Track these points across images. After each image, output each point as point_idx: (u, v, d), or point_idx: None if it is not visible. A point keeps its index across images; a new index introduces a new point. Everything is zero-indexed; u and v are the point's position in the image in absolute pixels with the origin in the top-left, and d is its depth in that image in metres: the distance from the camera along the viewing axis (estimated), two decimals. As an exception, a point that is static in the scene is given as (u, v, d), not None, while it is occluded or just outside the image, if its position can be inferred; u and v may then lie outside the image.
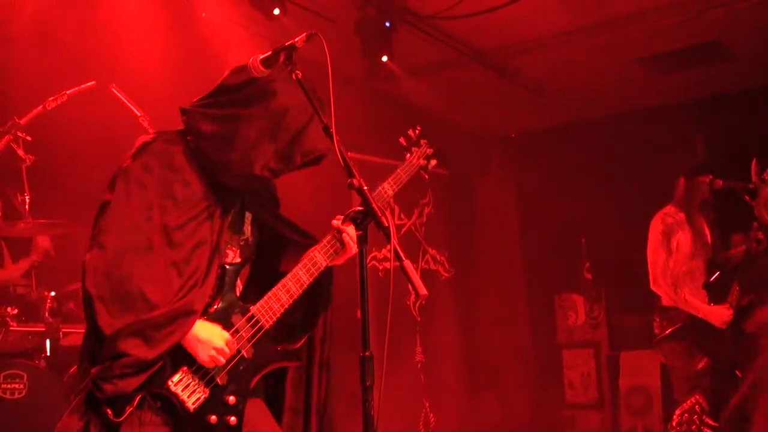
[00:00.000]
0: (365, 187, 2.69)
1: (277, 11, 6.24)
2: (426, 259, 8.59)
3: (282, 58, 3.04)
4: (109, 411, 2.63)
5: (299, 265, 3.03)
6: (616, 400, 8.86)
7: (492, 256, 9.93)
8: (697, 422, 5.62)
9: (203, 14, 6.34)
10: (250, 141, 2.87)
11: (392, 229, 2.61)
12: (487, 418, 8.94)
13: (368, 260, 2.73)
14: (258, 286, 3.10)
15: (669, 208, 6.06)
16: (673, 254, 5.91)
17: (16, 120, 4.66)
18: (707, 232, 6.06)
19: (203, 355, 2.80)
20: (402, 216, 8.32)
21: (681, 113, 8.78)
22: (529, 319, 10.07)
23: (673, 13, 7.18)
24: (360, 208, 2.70)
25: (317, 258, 3.05)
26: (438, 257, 8.75)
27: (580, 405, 9.38)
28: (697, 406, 5.66)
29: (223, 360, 2.84)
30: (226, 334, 2.86)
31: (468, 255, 9.51)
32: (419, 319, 8.22)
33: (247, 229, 3.10)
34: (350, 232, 3.08)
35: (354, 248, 3.07)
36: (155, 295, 2.70)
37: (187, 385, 2.79)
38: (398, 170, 3.28)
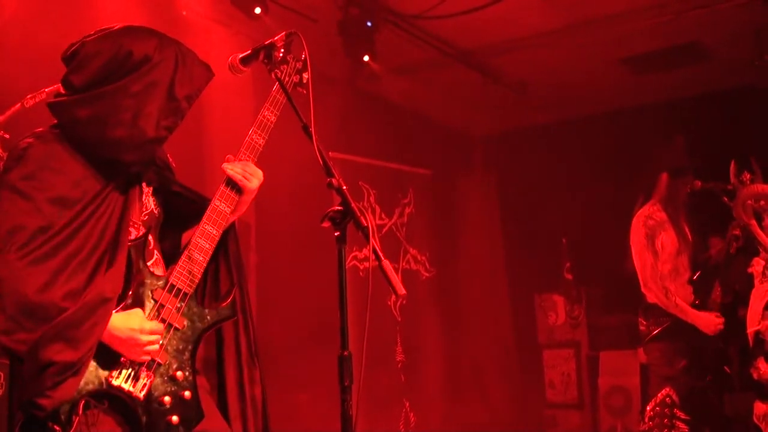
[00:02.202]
0: (344, 187, 2.68)
1: (258, 10, 6.24)
2: (407, 259, 8.59)
3: (261, 56, 3.06)
4: (56, 428, 2.55)
5: (204, 219, 2.95)
6: (595, 400, 8.89)
7: (473, 256, 9.94)
8: (669, 414, 5.67)
9: (184, 12, 6.32)
10: (131, 110, 2.76)
11: (371, 229, 2.61)
12: (468, 418, 8.95)
13: (349, 260, 2.74)
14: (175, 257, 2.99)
15: (649, 208, 6.09)
16: (659, 255, 5.95)
17: (-6, 118, 4.63)
18: (687, 230, 6.11)
19: (132, 355, 2.71)
20: (383, 216, 8.32)
21: (662, 113, 8.83)
22: (510, 318, 10.09)
23: (653, 14, 7.22)
24: (339, 208, 2.68)
25: (220, 207, 2.97)
26: (419, 257, 8.75)
27: (561, 405, 9.40)
28: (667, 399, 5.71)
29: (156, 347, 2.75)
30: (146, 324, 2.75)
31: (449, 255, 9.52)
32: (400, 319, 8.21)
33: (148, 201, 3.00)
34: (236, 168, 3.00)
35: (247, 183, 3.01)
36: (66, 301, 2.58)
37: (129, 375, 2.71)
38: (273, 93, 3.08)
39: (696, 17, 7.25)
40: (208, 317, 2.97)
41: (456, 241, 9.84)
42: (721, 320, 5.82)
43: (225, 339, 3.11)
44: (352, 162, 7.82)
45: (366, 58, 7.03)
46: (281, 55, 3.12)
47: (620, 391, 8.46)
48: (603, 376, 8.72)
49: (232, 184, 3.00)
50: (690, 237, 6.09)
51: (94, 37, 2.86)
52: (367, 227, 2.60)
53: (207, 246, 2.93)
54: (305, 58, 3.16)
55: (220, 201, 2.98)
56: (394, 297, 8.07)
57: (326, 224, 2.70)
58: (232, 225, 3.14)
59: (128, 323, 2.72)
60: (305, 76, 3.18)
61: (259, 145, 3.05)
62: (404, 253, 8.56)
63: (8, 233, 2.59)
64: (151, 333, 2.76)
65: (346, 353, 2.61)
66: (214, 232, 2.95)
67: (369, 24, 6.86)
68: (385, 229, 8.30)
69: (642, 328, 6.04)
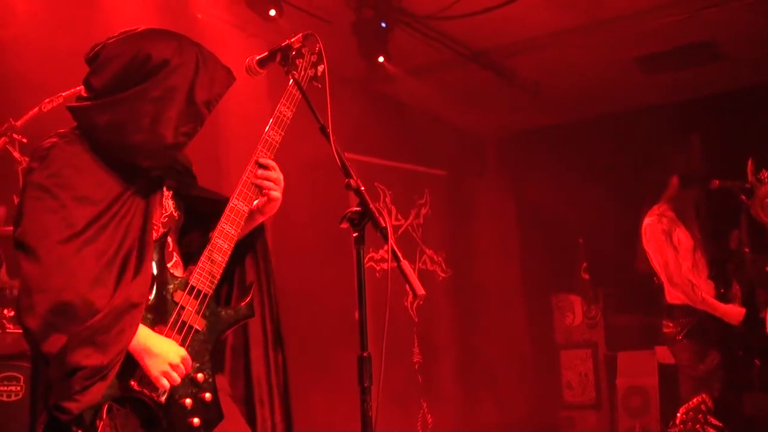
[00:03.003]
0: (362, 188, 2.67)
1: (273, 12, 6.24)
2: (423, 260, 8.58)
3: (278, 58, 3.05)
4: (80, 431, 2.54)
5: (222, 220, 2.91)
6: (613, 401, 8.86)
7: (489, 257, 9.93)
8: (702, 421, 5.64)
9: (199, 15, 6.34)
10: (149, 115, 2.74)
11: (390, 230, 2.60)
12: (485, 419, 8.94)
13: (365, 261, 2.72)
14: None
15: (660, 207, 6.09)
16: (678, 250, 5.94)
17: (12, 122, 4.64)
18: (697, 230, 6.10)
19: (155, 371, 2.67)
20: (399, 217, 8.32)
21: (677, 113, 8.80)
22: (526, 319, 10.07)
23: (668, 12, 7.19)
24: (357, 209, 2.66)
25: (238, 206, 2.93)
26: (435, 258, 8.74)
27: (578, 405, 9.38)
28: (703, 405, 5.67)
29: (178, 379, 2.71)
30: (182, 351, 2.74)
31: (465, 255, 9.50)
32: (416, 319, 8.21)
33: (168, 203, 2.99)
34: (269, 176, 2.97)
35: (272, 191, 2.99)
36: (97, 300, 2.57)
37: (151, 379, 2.70)
38: (289, 89, 3.04)
39: (710, 16, 7.22)
40: (227, 318, 2.96)
41: (472, 242, 9.83)
42: (743, 310, 5.82)
43: (251, 327, 3.10)
44: (368, 163, 7.82)
45: (380, 59, 7.03)
46: (296, 48, 3.09)
47: (638, 392, 8.41)
48: (621, 377, 8.67)
49: (250, 181, 2.97)
50: (700, 236, 6.09)
51: (116, 39, 2.86)
52: (386, 228, 2.58)
53: (226, 246, 2.90)
54: (320, 50, 3.13)
55: (238, 200, 2.95)
56: (410, 298, 8.10)
57: (345, 225, 2.68)
58: (261, 226, 3.13)
59: (163, 342, 2.72)
60: (320, 68, 3.14)
61: (276, 141, 3.02)
62: (420, 254, 8.55)
63: (37, 231, 2.60)
64: (182, 360, 2.73)
65: (365, 354, 2.59)
66: (233, 231, 2.92)
67: (383, 25, 6.86)
68: (401, 230, 8.30)
69: (667, 330, 6.01)
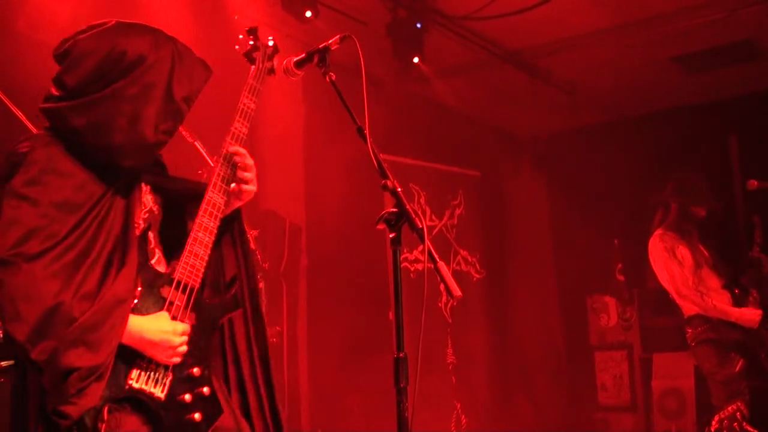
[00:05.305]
0: (399, 189, 2.66)
1: (309, 14, 6.28)
2: (457, 261, 8.57)
3: (316, 60, 3.06)
4: None
5: (200, 213, 2.87)
6: (649, 403, 8.79)
7: (524, 257, 9.90)
8: (738, 429, 5.61)
9: (236, 17, 6.38)
10: (127, 115, 2.66)
11: (426, 231, 2.59)
12: (519, 420, 8.91)
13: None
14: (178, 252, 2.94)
15: (661, 231, 6.15)
16: (683, 265, 5.99)
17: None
18: (702, 247, 6.14)
19: (167, 358, 2.67)
20: (433, 217, 8.31)
21: (714, 112, 8.73)
22: (560, 320, 10.02)
23: (705, 12, 7.14)
24: (394, 210, 2.65)
25: (214, 198, 2.89)
26: (469, 258, 8.73)
27: (613, 407, 9.32)
28: (738, 413, 5.65)
29: (185, 347, 2.71)
30: (179, 326, 2.71)
31: (499, 256, 9.49)
32: (450, 320, 8.20)
33: (147, 198, 2.92)
34: (240, 159, 2.95)
35: (248, 184, 2.96)
36: (83, 303, 2.51)
37: (149, 377, 2.66)
38: (250, 81, 3.04)
39: (748, 15, 7.17)
40: (215, 310, 2.93)
41: (506, 243, 9.80)
42: (760, 311, 5.82)
43: (225, 334, 3.03)
44: (402, 164, 7.82)
45: (415, 59, 7.04)
46: (252, 41, 3.16)
47: (674, 394, 8.34)
48: (656, 379, 8.60)
49: (224, 172, 2.94)
50: (706, 253, 6.13)
51: (87, 34, 2.78)
52: (423, 229, 2.57)
53: (207, 239, 2.87)
54: (274, 45, 3.18)
55: (214, 192, 2.91)
56: (444, 298, 8.10)
57: (381, 226, 2.67)
58: (238, 212, 3.07)
59: (160, 326, 2.68)
60: (275, 62, 3.18)
61: (244, 134, 3.00)
62: (455, 255, 8.54)
63: (19, 241, 2.51)
64: (183, 334, 2.72)
65: (401, 355, 2.57)
66: (212, 224, 2.88)
67: (418, 26, 6.87)
68: (435, 231, 8.30)
69: (689, 339, 6.05)
